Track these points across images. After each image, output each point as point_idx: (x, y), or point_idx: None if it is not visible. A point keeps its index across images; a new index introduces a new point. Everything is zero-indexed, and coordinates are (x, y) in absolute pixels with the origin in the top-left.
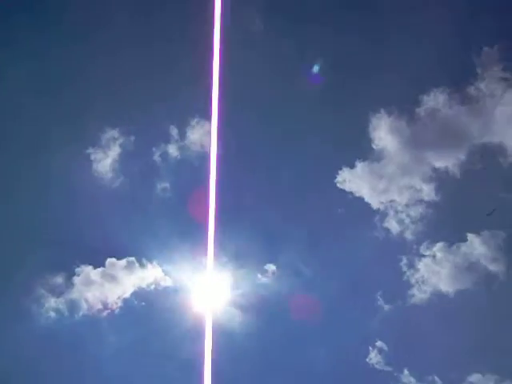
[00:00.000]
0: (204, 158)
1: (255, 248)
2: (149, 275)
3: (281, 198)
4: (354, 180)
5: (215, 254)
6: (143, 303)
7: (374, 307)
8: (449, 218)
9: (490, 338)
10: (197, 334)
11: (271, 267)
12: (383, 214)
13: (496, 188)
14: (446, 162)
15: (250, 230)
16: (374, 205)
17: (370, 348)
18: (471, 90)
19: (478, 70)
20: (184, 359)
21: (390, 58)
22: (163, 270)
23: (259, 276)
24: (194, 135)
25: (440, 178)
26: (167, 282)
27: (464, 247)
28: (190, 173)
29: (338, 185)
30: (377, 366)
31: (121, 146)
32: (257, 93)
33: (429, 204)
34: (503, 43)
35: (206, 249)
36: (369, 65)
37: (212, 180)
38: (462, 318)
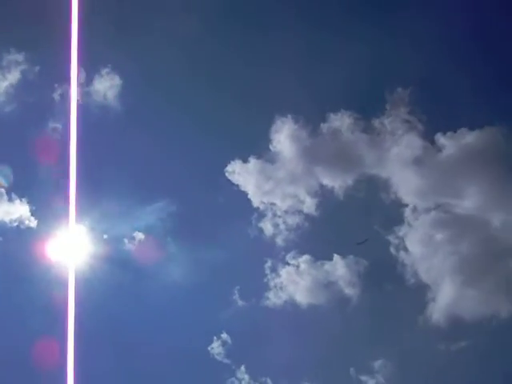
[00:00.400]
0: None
1: (125, 213)
2: (14, 211)
3: (166, 172)
4: (243, 174)
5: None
6: (1, 238)
7: (228, 300)
8: (321, 235)
9: (327, 354)
10: (55, 282)
11: (139, 235)
12: (261, 214)
13: (372, 219)
14: (334, 181)
15: (121, 194)
16: (255, 203)
17: (215, 338)
18: (376, 122)
19: (387, 107)
20: (41, 306)
21: (311, 68)
22: (31, 210)
23: (126, 241)
24: None
25: (324, 195)
26: (32, 223)
27: (327, 265)
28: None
29: (227, 174)
30: (217, 357)
31: None
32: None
33: (307, 217)
34: (415, 88)
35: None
36: (288, 69)
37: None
38: (308, 330)
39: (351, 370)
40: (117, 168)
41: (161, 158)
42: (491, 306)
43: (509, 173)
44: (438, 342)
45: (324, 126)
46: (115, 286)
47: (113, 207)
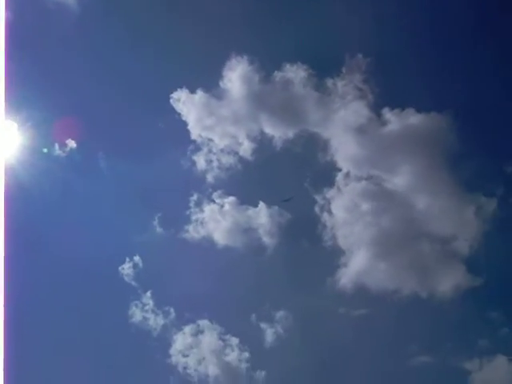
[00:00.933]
0: None
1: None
2: None
3: (108, 84)
4: (188, 104)
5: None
6: None
7: (147, 225)
8: (251, 181)
9: (233, 296)
10: None
11: (71, 143)
12: (197, 148)
13: (304, 176)
14: (275, 131)
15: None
16: (194, 135)
17: (127, 259)
18: (329, 82)
19: (344, 70)
20: None
21: (280, 16)
22: None
23: (57, 146)
24: None
25: (262, 142)
26: None
27: (251, 211)
28: None
29: (171, 101)
30: (125, 278)
31: None
32: None
33: (241, 159)
34: (375, 60)
35: None
36: (256, 11)
37: None
38: (219, 269)
39: (253, 315)
40: (55, 76)
41: (102, 71)
42: (396, 282)
43: (443, 161)
44: (340, 306)
45: (277, 75)
46: (41, 189)
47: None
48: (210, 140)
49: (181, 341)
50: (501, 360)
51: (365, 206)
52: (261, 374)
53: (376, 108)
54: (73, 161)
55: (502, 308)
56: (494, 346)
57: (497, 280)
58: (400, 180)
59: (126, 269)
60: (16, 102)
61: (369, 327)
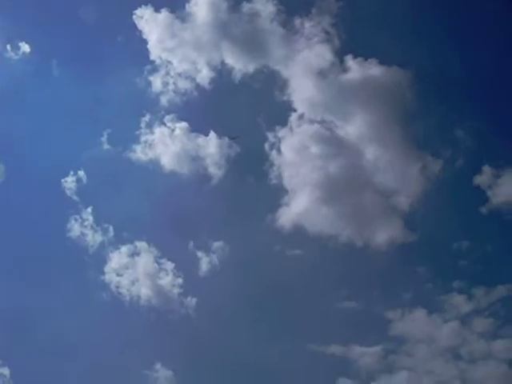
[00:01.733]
0: None
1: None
2: None
3: None
4: (150, 23)
5: None
6: None
7: (95, 141)
8: (205, 109)
9: (168, 219)
10: None
11: (25, 46)
12: (155, 68)
13: (258, 112)
14: (236, 63)
15: None
16: (153, 55)
17: (71, 172)
18: (297, 20)
19: (314, 10)
20: None
21: None
22: None
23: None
24: None
25: (221, 73)
26: None
27: (201, 139)
28: None
29: (134, 17)
30: (67, 191)
31: None
32: None
33: (198, 86)
34: (346, 4)
35: None
36: None
37: None
38: (161, 193)
39: (191, 243)
40: None
41: None
42: (335, 228)
43: (397, 116)
44: (276, 244)
45: (246, 6)
46: None
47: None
48: (169, 62)
49: (116, 260)
50: (420, 313)
51: (314, 149)
52: (192, 301)
53: (340, 54)
54: (24, 64)
55: (429, 265)
56: (416, 299)
57: (429, 238)
58: (352, 128)
59: (69, 182)
60: None
61: (302, 268)
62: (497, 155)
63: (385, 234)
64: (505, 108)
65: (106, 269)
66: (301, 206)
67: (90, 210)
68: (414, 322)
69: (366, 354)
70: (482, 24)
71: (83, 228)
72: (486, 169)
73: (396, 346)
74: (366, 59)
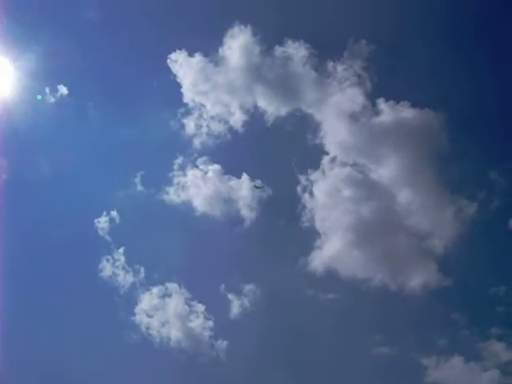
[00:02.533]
0: None
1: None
2: None
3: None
4: (185, 66)
5: None
6: None
7: (128, 182)
8: (238, 152)
9: (203, 262)
10: None
11: (63, 89)
12: (188, 111)
13: (291, 155)
14: (269, 106)
15: None
16: (186, 98)
17: (105, 213)
18: (330, 64)
19: (346, 54)
20: None
21: None
22: None
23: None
24: None
25: (254, 116)
26: None
27: (234, 182)
28: None
29: (169, 61)
30: (100, 231)
31: None
32: None
33: (231, 129)
34: (379, 48)
35: None
36: None
37: None
38: (194, 236)
39: (222, 285)
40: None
41: (105, 18)
42: (368, 271)
43: (430, 159)
44: (309, 287)
45: (278, 49)
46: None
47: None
48: (203, 105)
49: (147, 301)
50: (457, 360)
51: (346, 193)
52: (222, 344)
53: (372, 97)
54: (62, 107)
55: (466, 311)
56: (453, 346)
57: (465, 283)
58: (385, 171)
59: (102, 222)
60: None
61: (335, 312)
62: None
63: (419, 278)
64: None
65: (137, 310)
66: (333, 249)
67: (121, 250)
68: (450, 370)
69: None
70: None
71: (115, 268)
72: None
73: None
74: (397, 102)
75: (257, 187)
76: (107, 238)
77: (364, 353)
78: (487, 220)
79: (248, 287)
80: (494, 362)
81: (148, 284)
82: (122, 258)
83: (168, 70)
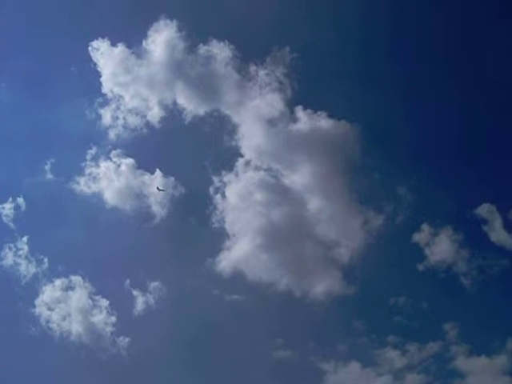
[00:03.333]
0: None
1: None
2: None
3: None
4: (106, 55)
5: None
6: None
7: (38, 168)
8: (153, 148)
9: (108, 256)
10: None
11: None
12: (106, 101)
13: (206, 155)
14: (188, 104)
15: None
16: (105, 88)
17: (10, 199)
18: (252, 67)
19: (269, 59)
20: None
21: None
22: None
23: None
24: None
25: (172, 113)
26: None
27: (147, 177)
28: None
29: (90, 49)
30: (4, 218)
31: None
32: None
33: (148, 124)
34: (302, 56)
35: None
36: None
37: None
38: (102, 228)
39: (127, 280)
40: None
41: None
42: (274, 276)
43: (343, 169)
44: (215, 288)
45: (203, 48)
46: None
47: None
48: (121, 97)
49: (49, 293)
50: (354, 366)
51: (258, 196)
52: (124, 341)
53: (291, 104)
54: None
55: (366, 318)
56: (351, 352)
57: (367, 292)
58: (298, 178)
59: (7, 209)
60: None
61: (239, 314)
62: (435, 214)
63: (323, 285)
64: (446, 167)
65: (38, 302)
66: (241, 251)
67: (25, 239)
68: (347, 375)
69: None
70: (427, 81)
71: (17, 257)
72: (425, 227)
73: None
74: (315, 111)
75: (159, 190)
76: (11, 225)
77: (265, 355)
78: (392, 233)
79: (154, 284)
80: (387, 368)
81: (51, 275)
82: (26, 247)
83: (89, 57)
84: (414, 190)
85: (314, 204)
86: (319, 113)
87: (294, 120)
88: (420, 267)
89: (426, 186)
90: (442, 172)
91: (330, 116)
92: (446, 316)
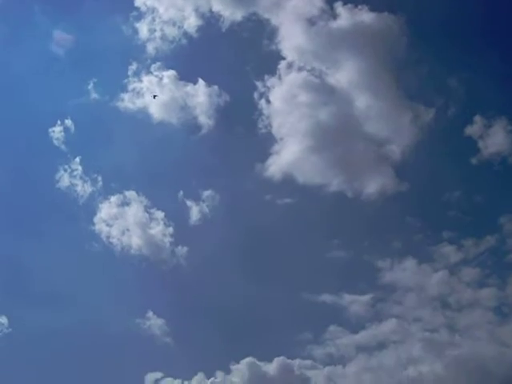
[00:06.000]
0: None
1: None
2: None
3: None
4: None
5: None
6: None
7: (82, 89)
8: (193, 57)
9: (161, 171)
10: None
11: None
12: (141, 15)
13: (247, 61)
14: (224, 10)
15: None
16: (138, 1)
17: (59, 122)
18: None
19: None
20: None
21: None
22: None
23: None
24: None
25: (209, 21)
26: None
27: (190, 88)
28: None
29: None
30: (55, 141)
31: None
32: None
33: (185, 34)
34: None
35: None
36: None
37: None
38: (153, 142)
39: (180, 192)
40: None
41: None
42: (325, 177)
43: (389, 64)
44: (267, 192)
45: None
46: None
47: None
48: (155, 9)
49: (106, 210)
50: (410, 262)
51: (304, 98)
52: (182, 250)
53: (330, 0)
54: (8, 11)
55: (420, 215)
56: (406, 248)
57: (420, 188)
58: (343, 76)
59: (57, 132)
60: None
61: (292, 217)
62: (488, 105)
63: (375, 184)
64: (497, 58)
65: (96, 219)
66: (290, 155)
67: (78, 160)
68: (403, 272)
69: (356, 302)
70: None
71: (72, 178)
72: (478, 119)
73: (386, 295)
74: (356, 6)
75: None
76: (63, 147)
77: (321, 256)
78: (444, 127)
79: (206, 193)
80: (443, 264)
81: (106, 193)
82: (80, 168)
83: None
84: (464, 82)
85: (362, 101)
86: (360, 7)
87: (335, 16)
88: (474, 161)
89: (477, 76)
90: (493, 61)
91: (372, 9)
92: (502, 209)
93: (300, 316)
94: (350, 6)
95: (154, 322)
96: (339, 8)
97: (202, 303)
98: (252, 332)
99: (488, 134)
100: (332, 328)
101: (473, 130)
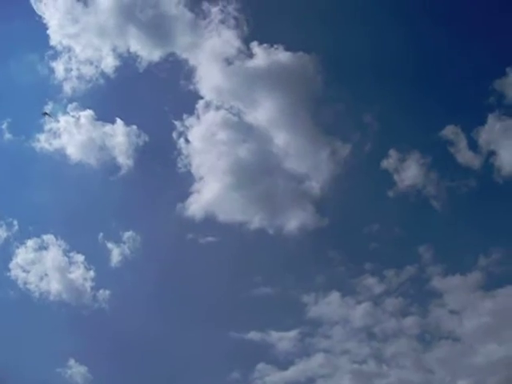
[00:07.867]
0: None
1: None
2: None
3: None
4: (50, 6)
5: None
6: None
7: None
8: (111, 97)
9: (80, 211)
10: None
11: None
12: (57, 54)
13: (165, 101)
14: (142, 50)
15: None
16: (54, 41)
17: None
18: (205, 5)
19: None
20: None
21: None
22: None
23: None
24: None
25: (127, 61)
26: None
27: (108, 128)
28: None
29: (32, 1)
30: None
31: None
32: None
33: (103, 74)
34: None
35: None
36: None
37: None
38: (68, 183)
39: (100, 234)
40: None
41: None
42: (246, 214)
43: (305, 102)
44: (188, 232)
45: None
46: None
47: None
48: (72, 48)
49: (23, 255)
50: (334, 296)
51: (222, 136)
52: (105, 293)
53: (246, 40)
54: None
55: (342, 248)
56: (330, 282)
57: (341, 222)
58: (261, 114)
59: None
60: None
61: (215, 255)
62: (402, 139)
63: (296, 220)
64: (410, 94)
65: (12, 265)
66: (211, 193)
67: None
68: (328, 305)
69: (283, 339)
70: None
71: None
72: (393, 153)
73: (312, 330)
74: (271, 45)
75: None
76: None
77: (246, 294)
78: (360, 161)
79: (127, 234)
80: (367, 295)
81: (22, 237)
82: None
83: (32, 10)
84: (378, 117)
85: (280, 139)
86: (276, 46)
87: (251, 56)
88: (390, 193)
89: (390, 111)
90: (405, 97)
91: (288, 48)
92: (420, 239)
93: (228, 356)
94: (265, 45)
95: (76, 370)
96: (255, 48)
97: (126, 348)
98: (179, 375)
99: (403, 168)
100: (260, 366)
101: (388, 163)
